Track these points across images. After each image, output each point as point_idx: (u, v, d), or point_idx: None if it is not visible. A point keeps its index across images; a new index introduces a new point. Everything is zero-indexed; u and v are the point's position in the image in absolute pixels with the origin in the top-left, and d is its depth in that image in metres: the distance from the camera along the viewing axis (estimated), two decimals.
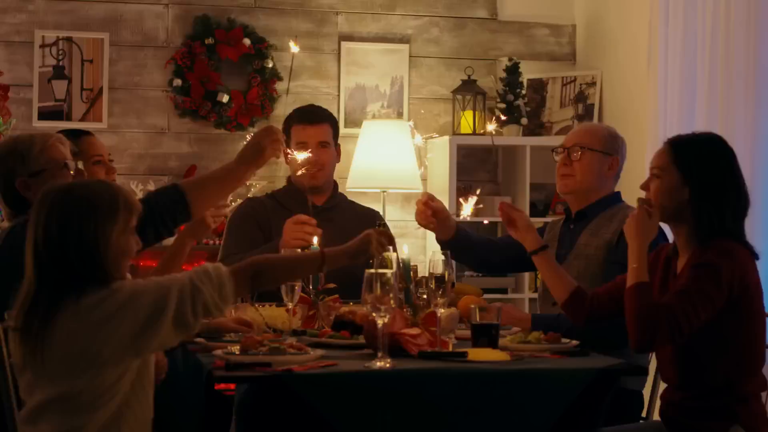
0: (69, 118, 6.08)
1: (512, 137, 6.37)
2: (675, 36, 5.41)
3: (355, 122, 6.39)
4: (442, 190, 6.21)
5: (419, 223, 4.38)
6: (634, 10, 6.04)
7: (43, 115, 6.06)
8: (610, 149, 4.17)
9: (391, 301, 3.08)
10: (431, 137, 6.32)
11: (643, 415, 4.12)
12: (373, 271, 3.10)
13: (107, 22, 6.18)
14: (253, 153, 3.70)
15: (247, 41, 6.25)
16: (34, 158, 3.51)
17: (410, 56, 6.54)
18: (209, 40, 6.20)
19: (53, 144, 3.57)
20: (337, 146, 4.76)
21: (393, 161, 6.06)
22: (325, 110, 4.84)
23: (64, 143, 3.61)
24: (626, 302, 3.27)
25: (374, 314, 3.08)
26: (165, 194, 3.57)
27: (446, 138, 6.22)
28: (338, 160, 4.78)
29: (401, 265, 3.56)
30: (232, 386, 4.05)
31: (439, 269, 3.41)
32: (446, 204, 6.02)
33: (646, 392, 4.07)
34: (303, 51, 6.39)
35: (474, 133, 6.34)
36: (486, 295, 5.76)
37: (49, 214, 2.81)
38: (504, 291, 6.23)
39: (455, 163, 6.20)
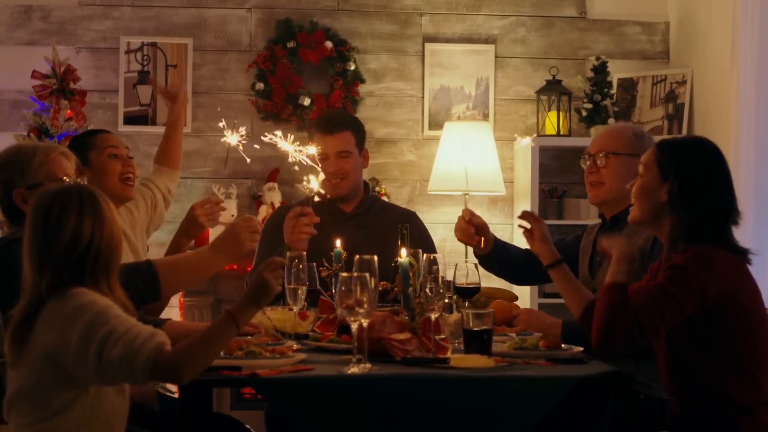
0: (154, 123, 6.19)
1: None
2: (752, 34, 5.21)
3: (439, 124, 6.30)
4: (524, 192, 6.10)
5: (459, 240, 4.26)
6: (722, 6, 5.81)
7: (129, 119, 6.17)
8: (637, 150, 3.97)
9: (365, 304, 3.01)
10: (514, 139, 6.22)
11: None
12: (349, 274, 3.05)
13: (191, 27, 6.27)
14: (230, 244, 3.56)
15: (329, 44, 6.24)
16: (33, 171, 3.49)
17: (496, 57, 6.43)
18: (291, 44, 6.21)
19: (54, 157, 3.53)
20: (364, 151, 4.60)
21: (475, 163, 5.95)
22: (347, 116, 4.70)
23: (68, 157, 3.58)
24: (596, 302, 3.20)
25: (349, 317, 3.03)
26: (138, 272, 3.41)
27: (529, 139, 6.09)
28: (365, 165, 4.61)
29: (399, 268, 3.49)
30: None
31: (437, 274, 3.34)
32: (528, 206, 5.98)
33: None
34: (387, 53, 6.37)
35: (558, 134, 6.20)
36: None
37: (34, 217, 2.89)
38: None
39: (537, 164, 6.08)
